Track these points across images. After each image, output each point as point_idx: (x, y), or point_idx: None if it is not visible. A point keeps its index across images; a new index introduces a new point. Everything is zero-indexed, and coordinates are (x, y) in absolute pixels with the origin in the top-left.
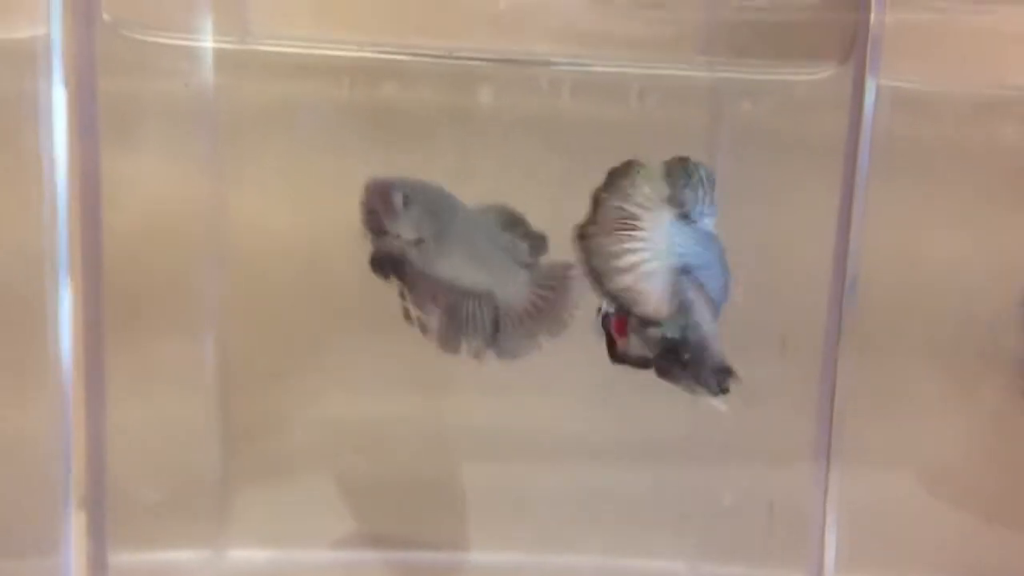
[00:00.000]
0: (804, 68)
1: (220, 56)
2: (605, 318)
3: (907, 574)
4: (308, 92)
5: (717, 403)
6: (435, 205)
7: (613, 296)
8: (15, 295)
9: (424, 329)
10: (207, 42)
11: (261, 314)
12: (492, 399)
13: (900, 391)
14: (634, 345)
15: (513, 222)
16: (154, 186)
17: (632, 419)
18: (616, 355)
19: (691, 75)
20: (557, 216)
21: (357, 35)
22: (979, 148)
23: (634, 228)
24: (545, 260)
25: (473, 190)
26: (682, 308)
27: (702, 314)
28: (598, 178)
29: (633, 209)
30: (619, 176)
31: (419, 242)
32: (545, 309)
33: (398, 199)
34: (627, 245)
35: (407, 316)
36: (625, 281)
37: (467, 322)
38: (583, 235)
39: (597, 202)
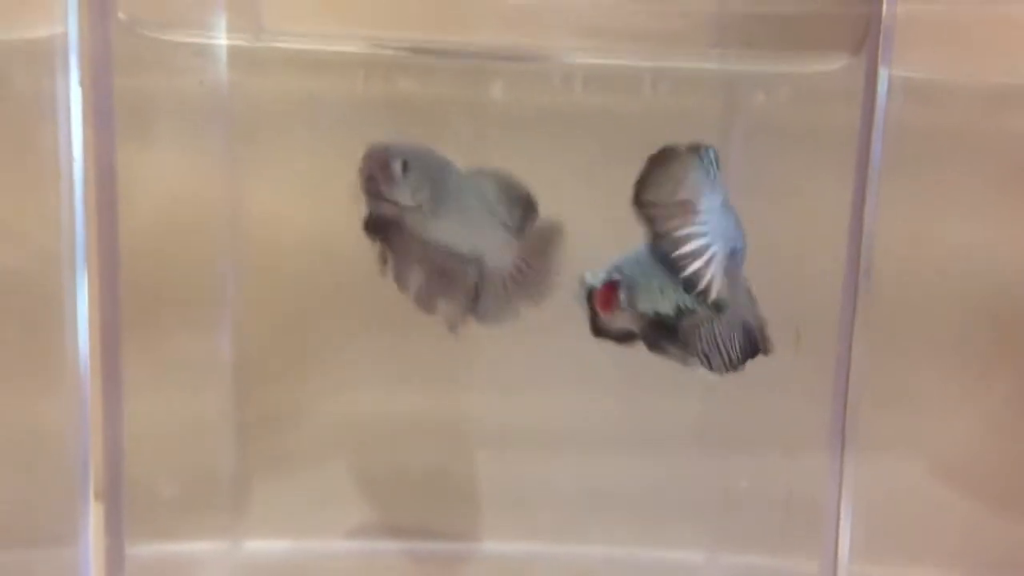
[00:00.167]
0: (817, 59)
1: (234, 53)
2: (590, 292)
3: (921, 563)
4: (322, 88)
5: (712, 376)
6: (432, 170)
7: (689, 282)
8: (33, 291)
9: (403, 287)
10: (221, 40)
11: (276, 308)
12: (505, 390)
13: (914, 381)
14: (617, 319)
15: (507, 187)
16: (170, 182)
17: (646, 409)
18: (598, 329)
19: (704, 67)
20: (572, 207)
21: (369, 31)
22: (992, 138)
23: (695, 212)
24: (533, 227)
25: None
26: (731, 290)
27: (745, 296)
28: (612, 170)
29: (688, 195)
30: (670, 160)
31: (416, 207)
32: (529, 275)
33: (397, 166)
34: (691, 230)
35: (383, 264)
36: (695, 267)
37: (449, 285)
38: (649, 218)
39: (651, 187)
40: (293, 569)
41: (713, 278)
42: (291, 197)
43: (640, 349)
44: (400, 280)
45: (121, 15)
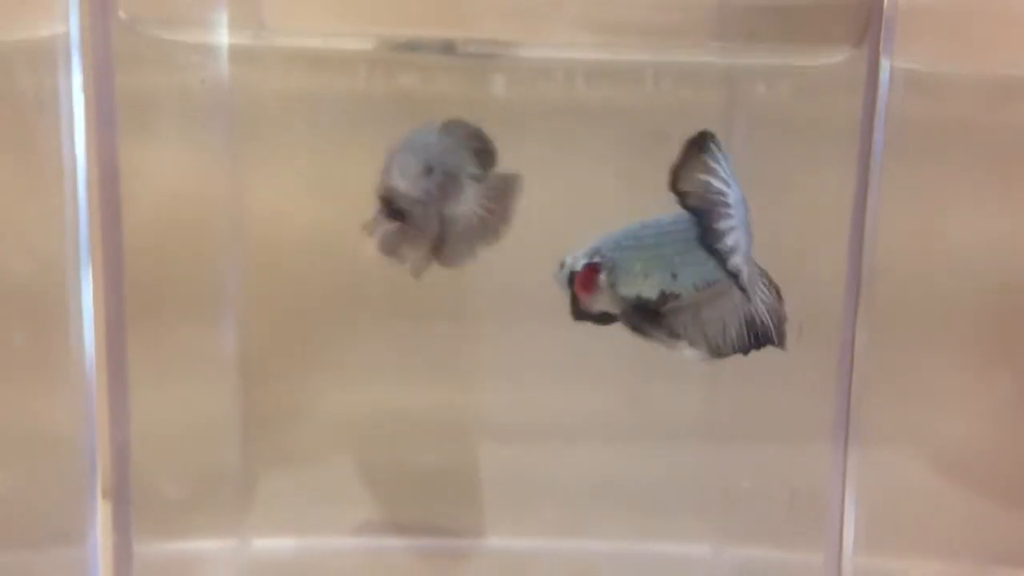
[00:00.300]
0: (818, 52)
1: (235, 51)
2: (571, 275)
3: (926, 556)
4: (324, 84)
5: (694, 355)
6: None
7: (733, 274)
8: (38, 290)
9: (370, 232)
10: (222, 38)
11: (280, 305)
12: (510, 385)
13: (917, 374)
14: (598, 302)
15: (470, 136)
16: (173, 179)
17: (650, 403)
18: (578, 312)
19: (705, 61)
20: (575, 200)
21: (371, 27)
22: (994, 130)
23: (726, 204)
24: (493, 172)
25: None
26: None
27: (759, 285)
28: (615, 163)
29: (719, 184)
30: (700, 149)
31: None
32: (488, 220)
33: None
34: (725, 223)
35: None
36: (736, 260)
37: (414, 232)
38: (692, 208)
39: (690, 174)
40: (300, 566)
41: (748, 271)
42: (294, 194)
43: (643, 344)
44: (367, 227)
45: (122, 14)
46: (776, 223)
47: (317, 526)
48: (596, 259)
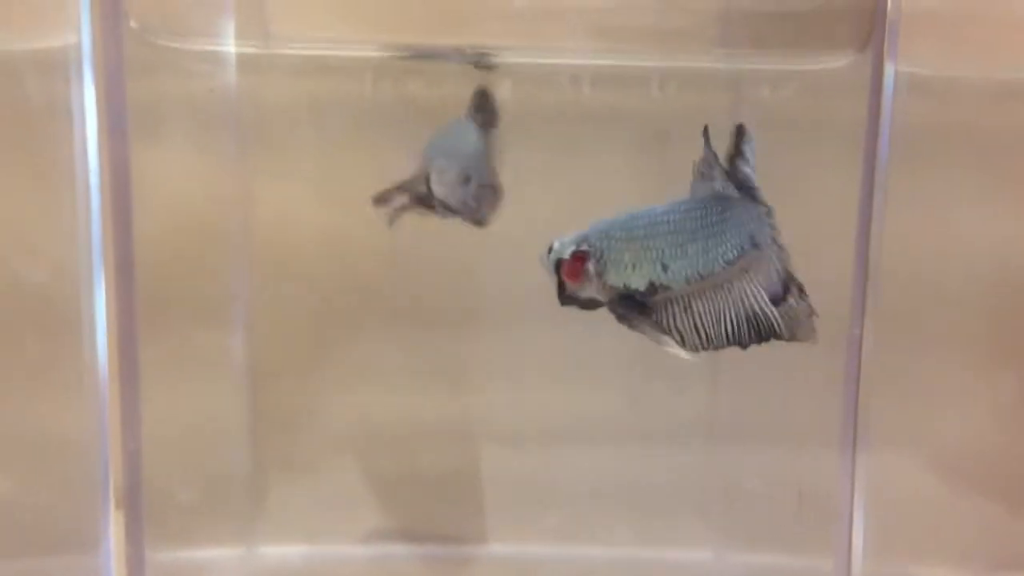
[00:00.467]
0: (822, 57)
1: (243, 58)
2: (557, 262)
3: (936, 560)
4: (330, 90)
5: (682, 353)
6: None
7: (791, 276)
8: (50, 296)
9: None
10: (230, 46)
11: (289, 310)
12: (515, 389)
13: (925, 376)
14: (586, 289)
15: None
16: (182, 185)
17: (655, 406)
18: (564, 298)
19: (710, 67)
20: (581, 205)
21: (376, 35)
22: (999, 133)
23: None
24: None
25: None
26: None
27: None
28: (621, 168)
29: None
30: (740, 142)
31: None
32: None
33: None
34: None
35: None
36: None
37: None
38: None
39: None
40: (308, 573)
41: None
42: (302, 200)
43: (646, 345)
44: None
45: (133, 24)
46: (782, 226)
47: (326, 533)
48: (584, 247)
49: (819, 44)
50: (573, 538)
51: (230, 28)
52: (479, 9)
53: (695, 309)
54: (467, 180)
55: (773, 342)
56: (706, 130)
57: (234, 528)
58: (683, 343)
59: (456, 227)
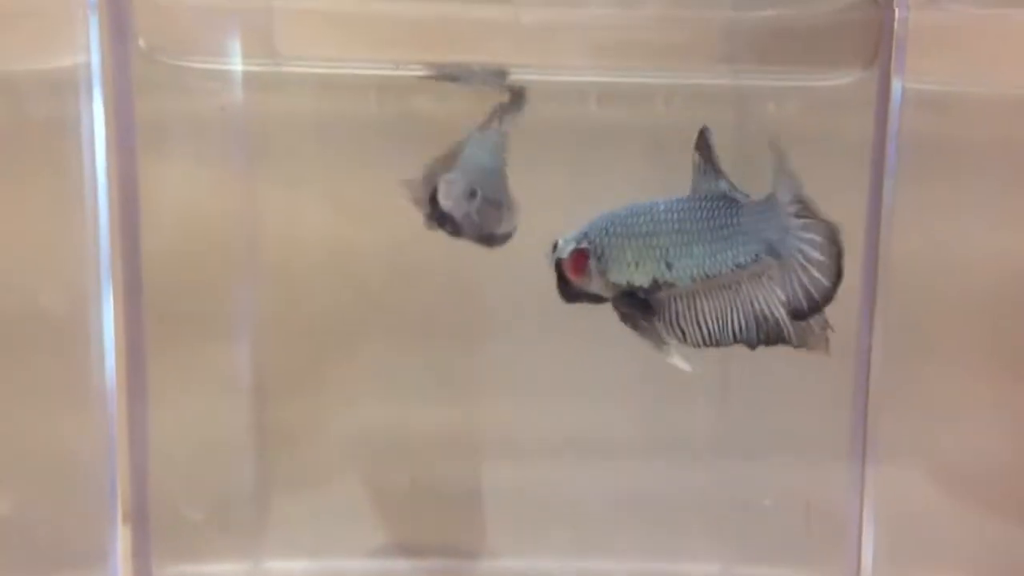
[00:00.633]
0: (828, 74)
1: (250, 77)
2: (559, 261)
3: (946, 574)
4: (336, 107)
5: (681, 363)
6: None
7: (825, 297)
8: (58, 313)
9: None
10: (236, 65)
11: (295, 325)
12: (523, 402)
13: (934, 389)
14: (591, 285)
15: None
16: (190, 202)
17: (664, 419)
18: (569, 295)
19: (716, 83)
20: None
21: (381, 54)
22: (1007, 147)
23: None
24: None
25: None
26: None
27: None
28: (629, 183)
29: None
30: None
31: None
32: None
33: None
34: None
35: None
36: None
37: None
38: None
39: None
40: None
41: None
42: (308, 216)
43: (655, 359)
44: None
45: (141, 43)
46: None
47: (332, 548)
48: (584, 245)
49: (825, 61)
50: (581, 552)
51: (236, 47)
52: (487, 27)
53: (699, 306)
54: (473, 194)
55: (787, 350)
56: (704, 133)
57: (240, 543)
58: (684, 339)
59: (461, 240)
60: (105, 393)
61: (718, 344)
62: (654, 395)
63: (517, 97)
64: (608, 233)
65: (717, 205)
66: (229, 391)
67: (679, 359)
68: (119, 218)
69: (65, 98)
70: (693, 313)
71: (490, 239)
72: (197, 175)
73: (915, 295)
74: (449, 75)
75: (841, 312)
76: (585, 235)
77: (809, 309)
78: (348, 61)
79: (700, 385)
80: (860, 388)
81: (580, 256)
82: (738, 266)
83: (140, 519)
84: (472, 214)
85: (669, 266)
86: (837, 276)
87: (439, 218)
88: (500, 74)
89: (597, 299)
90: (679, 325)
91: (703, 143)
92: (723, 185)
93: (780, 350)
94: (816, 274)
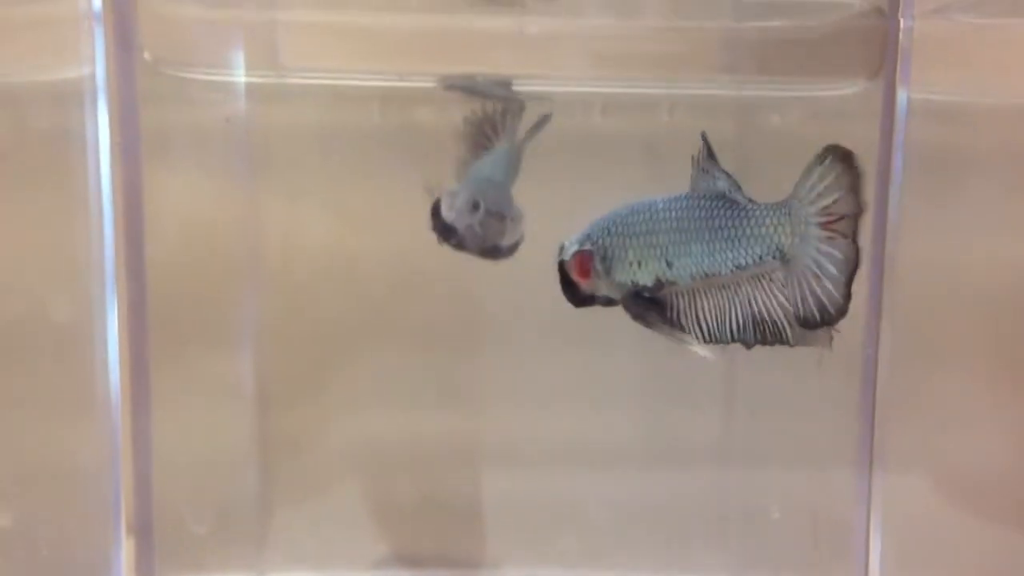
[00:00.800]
0: (832, 84)
1: (254, 88)
2: (563, 264)
3: None
4: (339, 118)
5: (701, 350)
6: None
7: (839, 309)
8: (62, 322)
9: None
10: (240, 77)
11: (300, 337)
12: (528, 412)
13: (941, 398)
14: (598, 287)
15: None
16: (194, 212)
17: (669, 429)
18: (577, 299)
19: (719, 93)
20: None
21: (384, 65)
22: (1014, 158)
23: None
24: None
25: None
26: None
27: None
28: (631, 192)
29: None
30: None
31: None
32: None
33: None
34: None
35: None
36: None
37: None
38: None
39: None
40: None
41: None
42: (312, 226)
43: (661, 367)
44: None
45: (146, 55)
46: None
47: (336, 559)
48: (587, 246)
49: (829, 72)
50: (585, 562)
51: (241, 58)
52: (491, 38)
53: (699, 304)
54: (476, 206)
55: (793, 359)
56: (703, 136)
57: (244, 554)
58: (688, 336)
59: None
60: (109, 403)
61: (716, 342)
62: (659, 403)
63: (543, 119)
64: (610, 233)
65: (716, 205)
66: (232, 401)
67: (700, 348)
68: (123, 228)
69: (70, 109)
70: (692, 310)
71: (494, 251)
72: (201, 186)
73: (921, 304)
74: (453, 86)
75: (848, 321)
76: (588, 236)
77: (822, 320)
78: (351, 72)
79: (706, 393)
80: (867, 396)
81: (584, 258)
82: (739, 267)
83: (144, 531)
84: (475, 226)
85: (669, 264)
86: (846, 297)
87: (443, 231)
88: (504, 85)
89: (606, 301)
90: (679, 322)
91: (703, 145)
92: (722, 185)
93: (787, 358)
94: (830, 287)
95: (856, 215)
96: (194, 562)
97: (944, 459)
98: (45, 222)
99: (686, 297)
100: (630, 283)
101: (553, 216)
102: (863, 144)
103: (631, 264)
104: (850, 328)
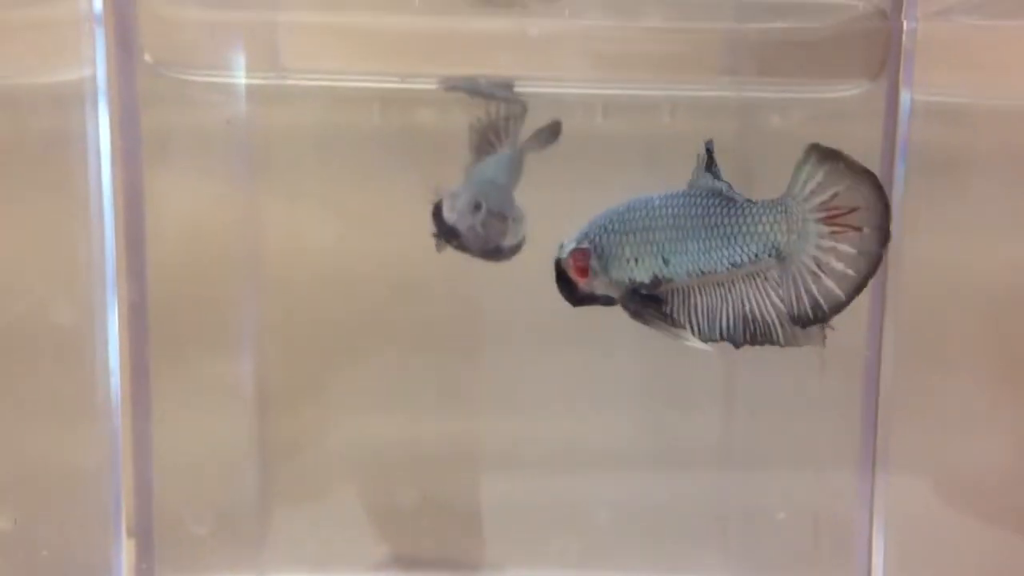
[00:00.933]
0: (835, 86)
1: (254, 90)
2: (560, 262)
3: None
4: (339, 120)
5: (698, 343)
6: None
7: (835, 307)
8: (63, 326)
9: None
10: (241, 79)
11: (300, 340)
12: (527, 415)
13: (943, 400)
14: (597, 286)
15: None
16: (195, 214)
17: (670, 431)
18: (576, 299)
19: (720, 95)
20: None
21: (384, 66)
22: (1017, 159)
23: None
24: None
25: None
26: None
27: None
28: (633, 193)
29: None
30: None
31: None
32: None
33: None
34: None
35: None
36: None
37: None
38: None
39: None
40: None
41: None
42: (312, 228)
43: (660, 369)
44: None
45: (147, 58)
46: None
47: (335, 561)
48: (585, 244)
49: (831, 74)
50: (586, 565)
51: (241, 60)
52: (493, 40)
53: (692, 302)
54: (477, 207)
55: (796, 360)
56: (709, 147)
57: (244, 556)
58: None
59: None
60: (109, 405)
61: (706, 340)
62: (660, 406)
63: (555, 127)
64: (607, 230)
65: (713, 202)
66: (233, 402)
67: (696, 342)
68: (124, 231)
69: (71, 111)
70: (686, 308)
71: (496, 252)
72: (202, 188)
73: (924, 305)
74: (455, 88)
75: (850, 321)
76: (585, 235)
77: (815, 318)
78: (352, 74)
79: (706, 395)
80: (869, 398)
81: (581, 255)
82: (734, 265)
83: (144, 532)
84: (476, 227)
85: (666, 261)
86: (854, 291)
87: (445, 232)
88: (506, 86)
89: (605, 300)
90: (674, 320)
91: (706, 155)
92: (721, 184)
93: (788, 358)
94: (830, 284)
95: (862, 208)
96: (194, 564)
97: (947, 460)
98: (46, 224)
99: (681, 294)
100: (627, 280)
101: (554, 218)
102: (865, 145)
103: (628, 261)
104: (852, 329)
